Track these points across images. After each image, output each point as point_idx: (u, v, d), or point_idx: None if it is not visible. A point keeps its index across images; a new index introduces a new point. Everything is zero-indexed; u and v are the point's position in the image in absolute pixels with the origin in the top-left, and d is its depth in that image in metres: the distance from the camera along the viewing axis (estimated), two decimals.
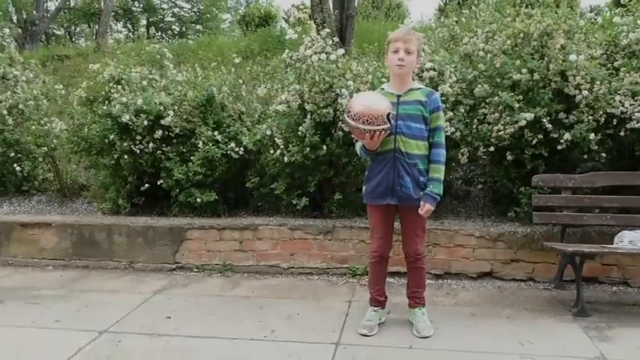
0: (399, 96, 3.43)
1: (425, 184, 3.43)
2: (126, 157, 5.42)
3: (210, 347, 3.45)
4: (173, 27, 29.03)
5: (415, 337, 3.54)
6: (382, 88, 3.59)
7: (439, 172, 3.43)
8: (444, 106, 4.58)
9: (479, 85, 4.73)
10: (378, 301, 3.74)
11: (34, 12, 14.23)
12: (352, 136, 3.50)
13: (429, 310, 3.78)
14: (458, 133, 4.66)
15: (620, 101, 4.40)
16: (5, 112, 6.45)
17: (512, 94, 4.54)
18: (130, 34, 26.06)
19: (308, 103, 4.79)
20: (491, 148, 4.69)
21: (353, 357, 3.27)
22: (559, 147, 4.55)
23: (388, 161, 3.40)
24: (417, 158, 3.39)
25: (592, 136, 4.41)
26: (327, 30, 5.13)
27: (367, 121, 3.20)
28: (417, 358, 3.25)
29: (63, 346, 3.49)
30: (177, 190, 5.40)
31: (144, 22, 27.84)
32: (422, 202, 3.40)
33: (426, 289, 3.77)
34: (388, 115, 3.24)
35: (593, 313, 3.93)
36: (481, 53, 4.90)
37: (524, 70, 4.50)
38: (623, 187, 4.71)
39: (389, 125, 3.26)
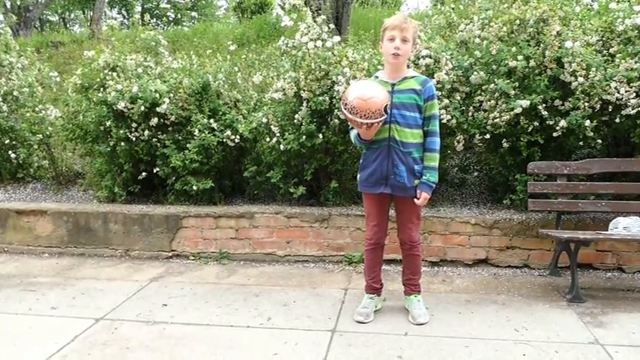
0: (393, 84, 3.41)
1: (419, 172, 3.43)
2: (122, 144, 5.41)
3: (207, 335, 3.46)
4: (168, 14, 28.85)
5: (411, 324, 3.56)
6: (376, 76, 3.56)
7: (434, 160, 3.44)
8: (440, 93, 4.59)
9: (475, 73, 4.72)
10: (374, 288, 3.76)
11: None
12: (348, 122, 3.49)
13: (424, 297, 3.80)
14: (454, 121, 4.66)
15: (615, 88, 4.39)
16: (0, 99, 6.42)
17: (508, 81, 4.54)
18: (125, 20, 25.91)
19: (304, 90, 4.78)
20: (487, 136, 4.70)
21: (349, 344, 3.28)
22: (555, 134, 4.55)
23: (383, 150, 3.40)
24: (411, 147, 3.39)
25: (587, 122, 4.41)
26: (323, 17, 5.10)
27: (364, 115, 3.19)
28: (412, 345, 3.26)
29: (59, 333, 3.50)
30: (174, 178, 5.40)
31: (139, 8, 27.66)
32: (418, 191, 3.42)
33: (421, 276, 3.78)
34: (385, 107, 3.23)
35: (588, 299, 3.96)
36: (477, 40, 4.89)
37: (520, 57, 4.49)
38: (618, 173, 4.74)
39: (385, 117, 3.26)
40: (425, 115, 3.42)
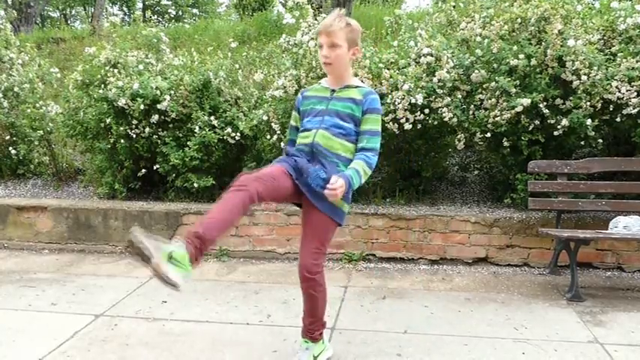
0: (333, 91, 3.02)
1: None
2: (122, 141, 5.41)
3: (206, 332, 3.47)
4: (169, 10, 28.86)
5: (409, 321, 3.55)
6: (319, 83, 3.18)
7: (361, 167, 2.82)
8: (441, 91, 4.58)
9: (476, 71, 4.72)
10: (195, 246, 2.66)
11: None
12: None
13: (424, 295, 3.80)
14: (455, 119, 4.66)
15: (616, 87, 4.39)
16: (0, 95, 6.42)
17: (509, 79, 4.54)
18: (126, 17, 25.91)
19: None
20: (488, 134, 4.70)
21: (348, 342, 3.28)
22: (555, 133, 4.55)
23: (308, 154, 2.94)
24: (335, 158, 2.90)
25: (589, 121, 4.41)
26: (325, 14, 5.10)
27: None
28: (411, 343, 3.26)
29: (59, 329, 3.50)
30: (174, 175, 5.40)
31: (140, 5, 27.67)
32: (334, 177, 2.67)
33: (323, 322, 3.11)
34: None
35: (587, 298, 3.96)
36: (478, 39, 4.88)
37: (521, 56, 4.49)
38: (619, 173, 4.74)
39: None
40: (361, 129, 2.92)
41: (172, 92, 5.31)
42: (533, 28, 4.65)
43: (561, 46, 4.44)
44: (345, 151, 2.91)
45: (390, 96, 4.59)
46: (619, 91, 4.39)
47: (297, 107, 3.13)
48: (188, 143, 5.26)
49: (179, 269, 2.36)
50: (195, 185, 5.27)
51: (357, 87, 2.99)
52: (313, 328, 3.06)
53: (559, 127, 4.49)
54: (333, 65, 2.91)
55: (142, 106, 5.18)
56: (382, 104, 3.33)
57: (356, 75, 3.37)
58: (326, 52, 2.86)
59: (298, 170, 2.87)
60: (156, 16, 27.27)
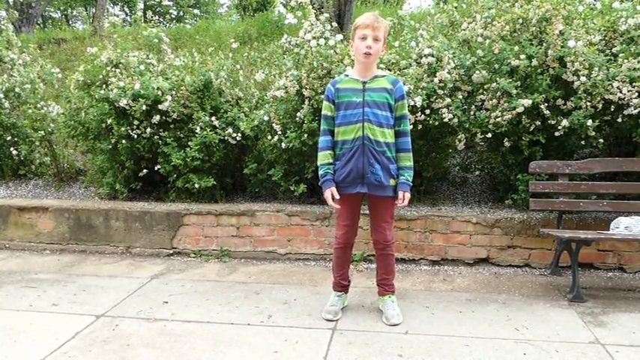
0: (364, 82, 3.39)
1: (394, 172, 3.44)
2: (123, 141, 5.40)
3: (207, 332, 3.47)
4: (170, 11, 28.87)
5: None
6: (346, 75, 3.52)
7: (409, 160, 3.46)
8: (442, 92, 4.59)
9: (477, 72, 4.72)
10: (343, 285, 3.75)
11: None
12: None
13: (425, 296, 3.80)
14: (455, 120, 4.66)
15: (617, 87, 4.39)
16: (2, 95, 6.42)
17: (510, 80, 4.54)
18: (127, 17, 25.93)
19: (306, 89, 4.77)
20: (489, 135, 4.70)
21: (349, 342, 3.28)
22: (557, 133, 4.55)
23: (357, 149, 3.36)
24: (384, 146, 3.37)
25: (589, 122, 4.41)
26: (326, 15, 5.10)
27: None
28: (412, 344, 3.26)
29: (60, 329, 3.51)
30: (175, 176, 5.40)
31: (141, 5, 27.69)
32: (400, 192, 3.42)
33: (395, 276, 3.75)
34: None
35: (589, 299, 3.96)
36: (480, 39, 4.88)
37: (522, 56, 4.49)
38: (620, 173, 4.74)
39: None
40: (396, 115, 3.43)
41: (173, 93, 5.30)
42: (534, 28, 4.65)
43: (562, 47, 4.44)
44: (385, 136, 3.38)
45: None
46: (620, 92, 4.38)
47: (332, 99, 3.48)
48: (189, 143, 5.26)
49: None
50: (197, 186, 5.27)
51: (383, 76, 3.45)
52: (390, 282, 3.68)
53: (560, 127, 4.49)
54: (373, 56, 3.35)
55: (143, 107, 5.18)
56: None
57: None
58: (370, 43, 3.30)
59: (359, 177, 3.39)
60: (157, 17, 27.33)
